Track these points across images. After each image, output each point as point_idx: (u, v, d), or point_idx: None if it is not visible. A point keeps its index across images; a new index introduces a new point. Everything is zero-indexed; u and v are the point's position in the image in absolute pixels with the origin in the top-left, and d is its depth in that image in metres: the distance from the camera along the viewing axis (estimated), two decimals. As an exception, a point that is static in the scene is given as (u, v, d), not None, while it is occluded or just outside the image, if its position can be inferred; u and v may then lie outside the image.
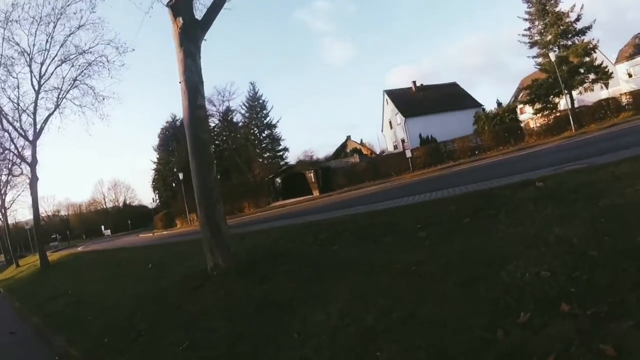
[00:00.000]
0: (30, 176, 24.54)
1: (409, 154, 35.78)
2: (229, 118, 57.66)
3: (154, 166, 66.86)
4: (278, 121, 58.04)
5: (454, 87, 54.92)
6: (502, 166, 18.05)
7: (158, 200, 67.28)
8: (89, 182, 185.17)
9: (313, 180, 38.03)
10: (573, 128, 30.08)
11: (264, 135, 58.42)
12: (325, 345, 3.66)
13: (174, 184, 61.77)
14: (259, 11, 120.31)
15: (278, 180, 43.02)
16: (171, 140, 62.77)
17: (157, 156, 65.88)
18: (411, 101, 51.52)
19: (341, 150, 62.55)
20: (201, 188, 7.72)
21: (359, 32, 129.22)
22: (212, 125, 59.24)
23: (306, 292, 5.23)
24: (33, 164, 24.19)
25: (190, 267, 9.35)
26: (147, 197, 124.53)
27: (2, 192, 42.77)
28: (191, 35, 7.85)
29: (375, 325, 3.65)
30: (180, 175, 42.61)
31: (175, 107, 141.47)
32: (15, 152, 25.93)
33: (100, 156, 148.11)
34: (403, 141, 47.01)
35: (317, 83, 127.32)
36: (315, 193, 36.69)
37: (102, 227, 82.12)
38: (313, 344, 3.78)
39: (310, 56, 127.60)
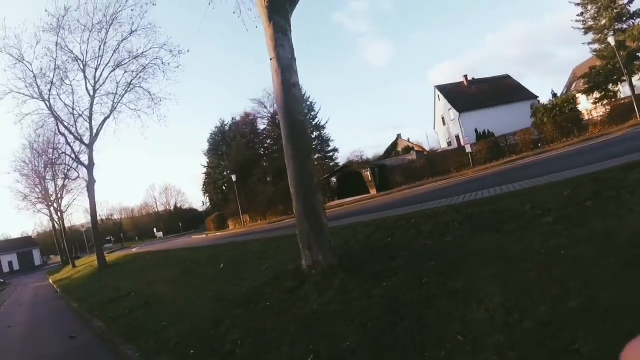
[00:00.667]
0: (87, 179, 24.47)
1: (469, 149, 33.69)
2: (277, 122, 56.73)
3: (205, 170, 67.18)
4: (326, 122, 57.11)
5: (505, 79, 52.06)
6: (577, 156, 16.69)
7: (209, 203, 67.60)
8: (141, 188, 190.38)
9: (370, 178, 36.30)
10: (638, 116, 27.29)
11: (313, 137, 57.37)
12: (507, 345, 3.00)
13: (224, 187, 62.28)
14: (298, 13, 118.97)
15: (333, 179, 41.59)
16: (220, 144, 63.17)
17: (207, 160, 66.25)
18: (464, 96, 49.14)
19: (392, 149, 60.58)
20: (299, 175, 6.52)
21: (399, 30, 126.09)
22: (262, 127, 58.99)
23: (441, 288, 4.44)
24: (90, 166, 24.29)
25: (274, 266, 8.15)
26: (197, 200, 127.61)
27: (59, 196, 43.90)
28: (281, 8, 6.86)
29: (553, 317, 3.14)
30: (233, 177, 42.33)
31: (223, 112, 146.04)
32: (72, 155, 26.06)
33: (151, 162, 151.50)
34: (458, 137, 44.92)
35: (360, 84, 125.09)
36: (373, 192, 35.00)
37: (155, 229, 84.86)
38: (489, 345, 3.06)
39: (351, 57, 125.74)
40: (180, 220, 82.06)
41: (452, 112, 48.72)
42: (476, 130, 44.20)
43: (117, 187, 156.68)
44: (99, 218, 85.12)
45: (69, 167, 32.79)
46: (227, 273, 9.27)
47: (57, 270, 44.77)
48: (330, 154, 57.22)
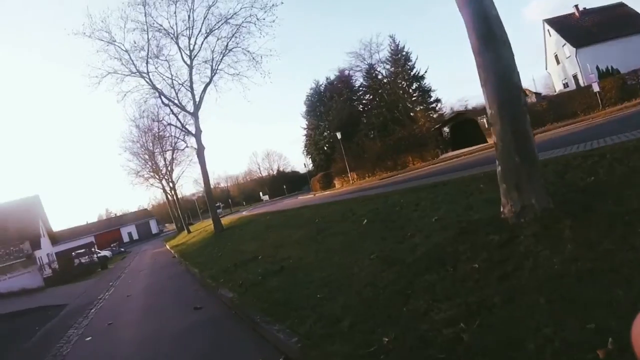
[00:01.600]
0: (196, 146, 24.22)
1: (596, 87, 29.27)
2: (374, 75, 54.22)
3: (304, 132, 66.70)
4: (425, 72, 52.50)
5: (621, 7, 44.39)
6: None
7: (311, 164, 67.30)
8: (243, 155, 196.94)
9: (486, 126, 32.76)
10: None
11: (412, 89, 53.84)
12: None
13: (325, 147, 61.43)
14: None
15: (446, 129, 38.45)
16: (317, 105, 62.23)
17: (306, 122, 65.66)
18: (577, 28, 42.64)
19: (499, 96, 55.45)
20: (501, 88, 4.70)
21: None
22: (358, 84, 56.80)
23: None
24: (197, 134, 24.07)
25: (445, 218, 6.30)
26: (298, 163, 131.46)
27: (169, 169, 45.71)
28: None
29: None
30: (338, 135, 40.96)
31: (317, 73, 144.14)
32: (179, 125, 26.02)
33: (252, 130, 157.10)
34: (575, 77, 39.77)
35: (451, 30, 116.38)
36: (491, 140, 31.55)
37: (260, 193, 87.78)
38: None
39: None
40: (284, 182, 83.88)
41: (567, 49, 42.84)
42: (598, 68, 38.58)
43: (221, 157, 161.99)
44: (214, 184, 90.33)
45: (176, 139, 33.35)
46: (377, 229, 7.54)
47: (172, 237, 46.93)
48: (433, 105, 53.26)
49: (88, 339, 8.02)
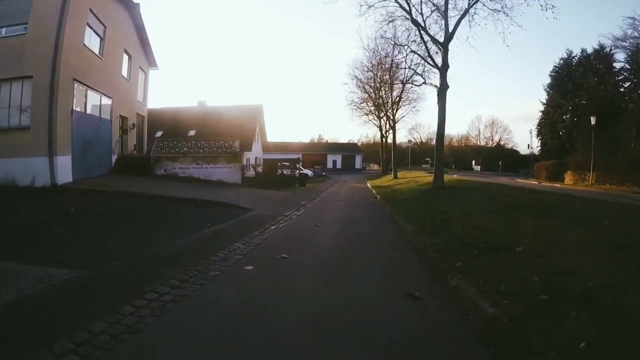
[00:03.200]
0: (438, 84, 20.20)
1: None
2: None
3: (543, 108, 56.33)
4: None
5: None
6: None
7: (539, 147, 57.77)
8: (466, 117, 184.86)
9: None
10: None
11: None
12: None
13: (561, 132, 52.03)
14: None
15: None
16: (565, 80, 51.75)
17: (547, 98, 55.38)
18: None
19: None
20: None
21: None
22: (619, 66, 45.12)
23: None
24: (444, 68, 19.95)
25: None
26: (522, 142, 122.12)
27: (395, 106, 43.10)
28: None
29: None
30: (592, 120, 32.09)
31: (573, 40, 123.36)
32: (425, 52, 21.93)
33: (485, 89, 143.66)
34: None
35: None
36: None
37: (473, 162, 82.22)
38: None
39: None
40: (500, 158, 75.19)
41: None
42: None
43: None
44: (418, 140, 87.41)
45: (413, 71, 29.36)
46: None
47: (375, 177, 45.35)
48: None
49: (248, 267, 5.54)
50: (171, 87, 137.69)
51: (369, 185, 32.65)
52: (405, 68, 33.54)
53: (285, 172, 33.16)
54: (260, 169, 30.22)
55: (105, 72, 19.00)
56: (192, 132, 32.71)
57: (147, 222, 9.87)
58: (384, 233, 9.24)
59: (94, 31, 17.75)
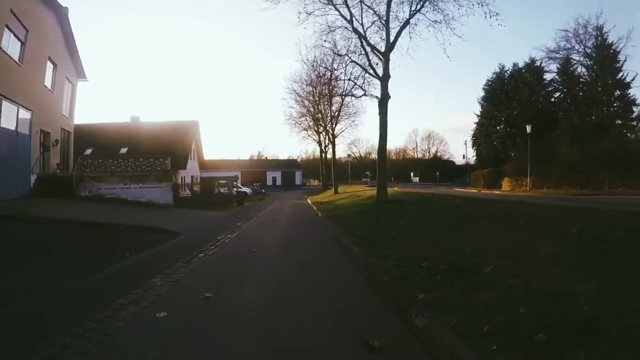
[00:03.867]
0: (379, 95, 19.73)
1: None
2: (569, 71, 44.17)
3: (477, 120, 58.44)
4: (633, 79, 40.31)
5: None
6: None
7: (474, 157, 59.97)
8: (403, 131, 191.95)
9: None
10: None
11: (614, 97, 42.27)
12: None
13: (495, 142, 54.37)
14: None
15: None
16: (498, 92, 54.29)
17: (481, 110, 57.53)
18: None
19: None
20: None
21: None
22: (549, 78, 47.91)
23: None
24: (385, 78, 19.73)
25: None
26: (457, 153, 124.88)
27: (334, 120, 42.91)
28: None
29: None
30: (528, 128, 33.20)
31: (508, 53, 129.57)
32: (366, 62, 21.44)
33: (419, 105, 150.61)
34: None
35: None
36: None
37: (412, 173, 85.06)
38: None
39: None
40: (437, 169, 77.80)
41: None
42: None
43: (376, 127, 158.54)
44: (357, 154, 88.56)
45: (353, 83, 28.87)
46: None
47: (315, 193, 44.90)
48: (634, 122, 41.10)
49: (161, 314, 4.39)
50: (102, 102, 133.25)
51: (309, 201, 31.93)
52: (344, 79, 33.05)
53: (222, 190, 31.87)
54: (196, 188, 28.77)
55: (25, 81, 17.06)
56: (123, 150, 30.65)
57: (55, 254, 8.39)
58: (329, 258, 8.01)
59: (14, 34, 15.90)
